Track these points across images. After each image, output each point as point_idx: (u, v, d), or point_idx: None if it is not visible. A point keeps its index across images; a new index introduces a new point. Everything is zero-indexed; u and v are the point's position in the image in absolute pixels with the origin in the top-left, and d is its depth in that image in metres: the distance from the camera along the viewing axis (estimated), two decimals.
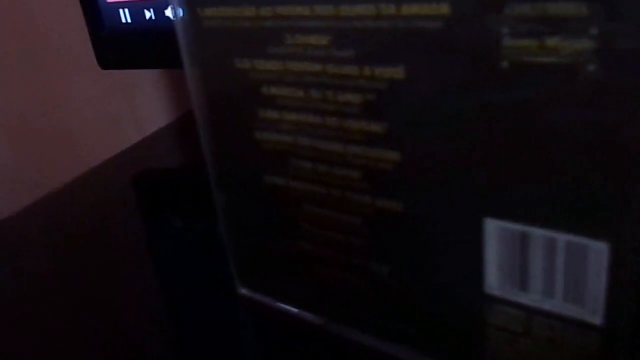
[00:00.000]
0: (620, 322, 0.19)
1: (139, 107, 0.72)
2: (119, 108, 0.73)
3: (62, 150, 0.79)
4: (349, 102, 0.22)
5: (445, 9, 0.18)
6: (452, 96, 0.19)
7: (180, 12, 0.25)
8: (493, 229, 0.20)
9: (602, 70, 0.16)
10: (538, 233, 0.19)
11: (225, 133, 0.26)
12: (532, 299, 0.20)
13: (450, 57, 0.19)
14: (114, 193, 0.46)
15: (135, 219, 0.41)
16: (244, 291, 0.29)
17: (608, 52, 0.16)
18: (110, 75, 0.69)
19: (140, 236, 0.38)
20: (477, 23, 0.18)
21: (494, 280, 0.21)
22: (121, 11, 0.48)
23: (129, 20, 0.48)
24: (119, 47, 0.50)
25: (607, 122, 0.17)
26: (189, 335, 0.28)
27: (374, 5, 0.20)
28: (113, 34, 0.49)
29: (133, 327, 0.29)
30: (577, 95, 0.17)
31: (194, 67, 0.26)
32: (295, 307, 0.28)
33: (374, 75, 0.21)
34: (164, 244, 0.37)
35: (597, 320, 0.19)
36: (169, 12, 0.46)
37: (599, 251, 0.18)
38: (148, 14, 0.47)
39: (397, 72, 0.20)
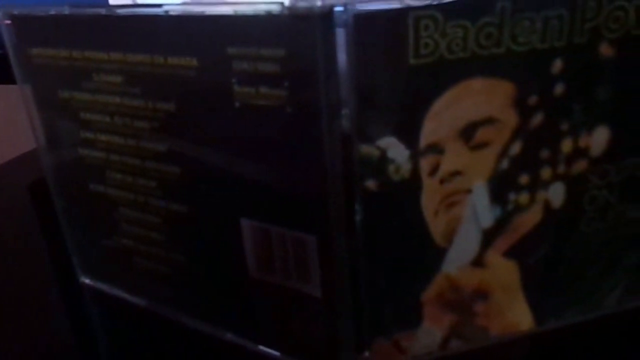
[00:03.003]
0: (333, 293, 0.25)
1: None
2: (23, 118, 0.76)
3: None
4: (141, 127, 0.27)
5: (194, 62, 0.24)
6: (207, 126, 0.25)
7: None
8: (247, 226, 0.26)
9: (292, 110, 0.23)
10: (275, 230, 0.25)
11: (58, 149, 0.31)
12: (278, 278, 0.27)
13: (203, 97, 0.25)
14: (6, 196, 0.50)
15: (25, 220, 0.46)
16: (84, 280, 0.35)
17: (295, 98, 0.22)
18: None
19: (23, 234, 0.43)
20: (216, 74, 0.24)
21: (252, 265, 0.27)
22: None
23: None
24: None
25: (301, 144, 0.23)
26: (38, 317, 0.33)
27: (149, 55, 0.25)
28: None
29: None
30: (282, 126, 0.23)
31: (30, 95, 0.31)
32: (124, 292, 0.33)
33: (155, 108, 0.26)
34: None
35: (317, 293, 0.26)
36: None
37: (311, 242, 0.25)
38: None
39: (170, 106, 0.26)
